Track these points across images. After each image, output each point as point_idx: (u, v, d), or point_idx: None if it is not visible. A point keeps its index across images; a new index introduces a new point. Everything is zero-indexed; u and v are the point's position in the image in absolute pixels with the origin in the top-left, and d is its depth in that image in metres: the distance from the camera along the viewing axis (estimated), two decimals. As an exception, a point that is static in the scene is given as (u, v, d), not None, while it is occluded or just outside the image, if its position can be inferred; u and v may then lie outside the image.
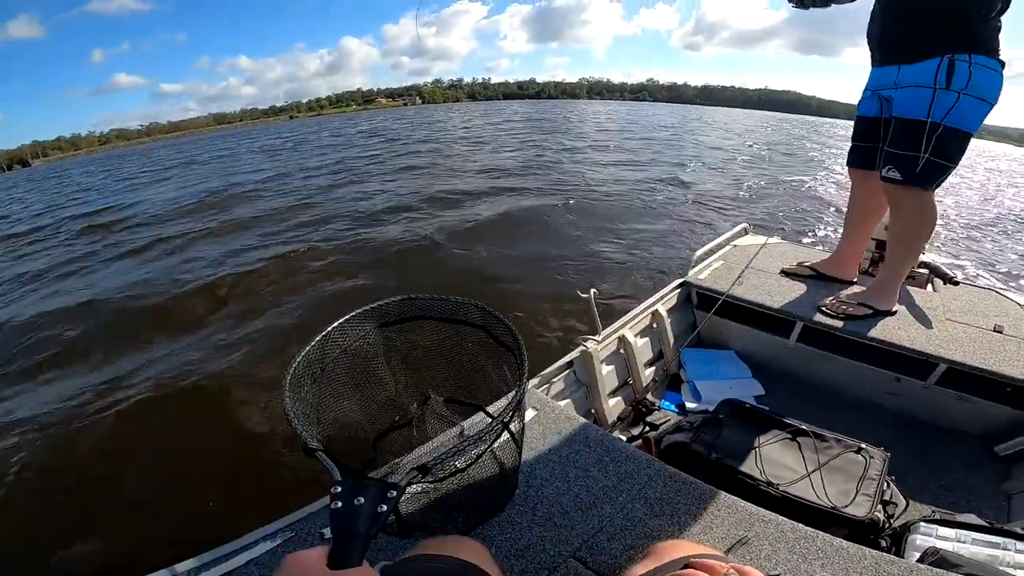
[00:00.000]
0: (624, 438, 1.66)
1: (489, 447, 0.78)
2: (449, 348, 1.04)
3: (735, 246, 2.56)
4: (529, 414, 1.35)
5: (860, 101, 1.88)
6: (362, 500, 0.53)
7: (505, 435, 0.91)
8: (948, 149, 1.57)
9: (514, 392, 0.77)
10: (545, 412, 1.36)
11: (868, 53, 1.80)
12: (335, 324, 0.89)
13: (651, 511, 1.05)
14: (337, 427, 0.90)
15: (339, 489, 0.54)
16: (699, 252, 2.32)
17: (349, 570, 0.48)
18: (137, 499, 2.29)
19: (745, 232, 2.76)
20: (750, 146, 16.95)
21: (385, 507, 0.54)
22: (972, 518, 1.19)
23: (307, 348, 0.82)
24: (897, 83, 1.65)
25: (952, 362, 1.64)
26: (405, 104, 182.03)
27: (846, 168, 2.04)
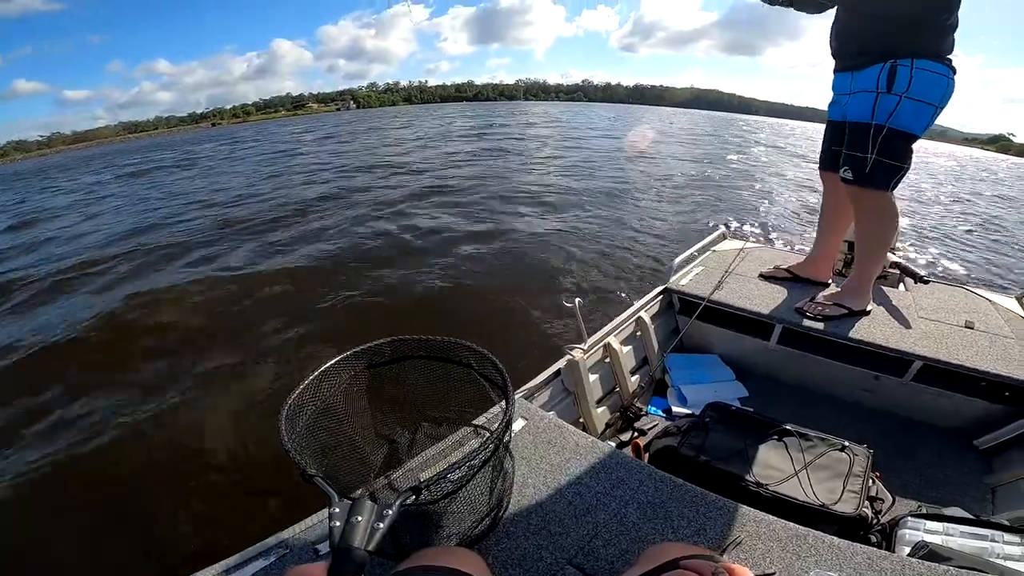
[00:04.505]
0: (613, 444, 1.62)
1: (479, 470, 0.77)
2: (437, 383, 1.06)
3: (714, 251, 2.57)
4: (518, 424, 1.33)
5: (828, 106, 1.91)
6: (359, 518, 0.56)
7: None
8: (894, 150, 1.60)
9: (499, 419, 0.78)
10: (534, 422, 1.33)
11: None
12: (327, 364, 0.91)
13: (644, 515, 1.04)
14: (333, 456, 0.92)
15: (336, 509, 0.58)
16: (679, 259, 2.32)
17: None
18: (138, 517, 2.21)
19: (723, 237, 2.77)
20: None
21: (381, 525, 0.57)
22: (958, 511, 1.18)
23: (302, 386, 0.85)
24: (851, 89, 1.69)
25: (927, 359, 1.65)
26: (338, 109, 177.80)
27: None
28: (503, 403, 0.83)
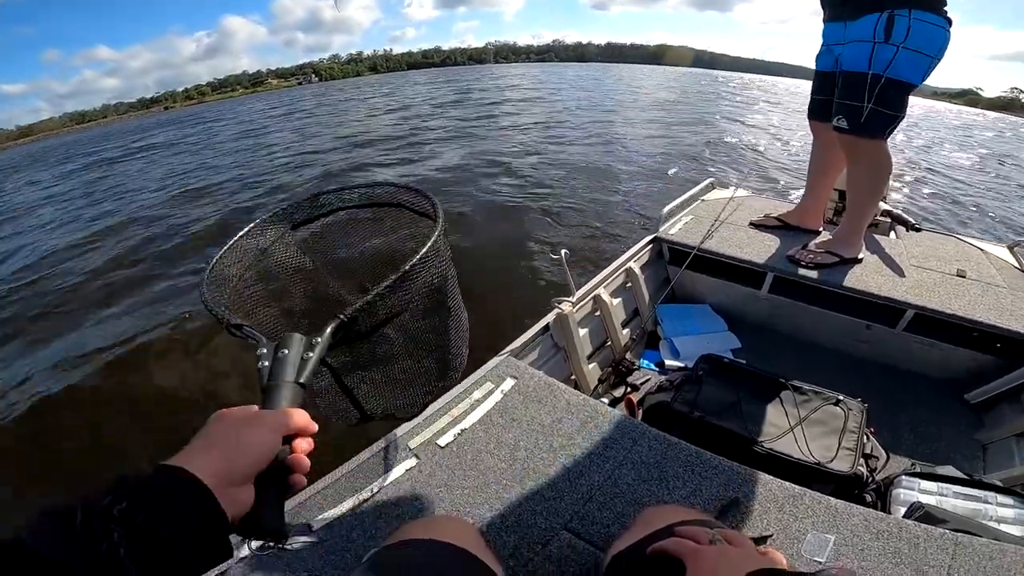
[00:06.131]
0: (606, 401, 1.56)
1: (416, 289, 0.65)
2: (371, 235, 0.93)
3: (703, 201, 2.48)
4: (508, 383, 1.26)
5: (817, 56, 1.85)
6: (287, 351, 0.51)
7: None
8: (890, 100, 1.57)
9: (432, 238, 0.65)
10: (524, 380, 1.26)
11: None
12: (245, 229, 0.79)
13: (639, 476, 1.01)
14: (267, 324, 0.78)
15: (264, 351, 0.52)
16: (668, 208, 2.23)
17: (278, 409, 0.47)
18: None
19: (712, 187, 2.67)
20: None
21: (312, 354, 0.52)
22: (951, 470, 1.15)
23: (221, 251, 0.74)
24: (844, 39, 1.64)
25: (920, 308, 1.61)
26: (299, 83, 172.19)
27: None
28: (437, 221, 0.70)
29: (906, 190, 6.61)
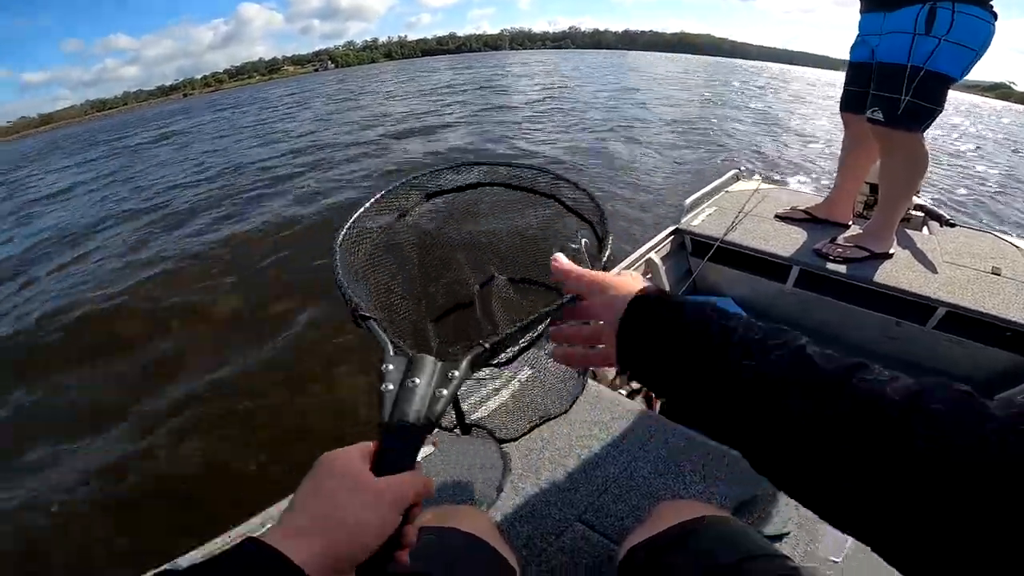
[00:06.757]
0: (624, 393, 1.53)
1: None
2: (512, 221, 0.85)
3: (727, 192, 2.42)
4: (526, 373, 1.22)
5: (852, 47, 1.81)
6: (417, 381, 0.42)
7: None
8: (929, 92, 1.53)
9: (603, 258, 0.59)
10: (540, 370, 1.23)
11: None
12: (379, 194, 0.72)
13: (655, 470, 1.00)
14: (388, 306, 0.73)
15: (390, 367, 0.43)
16: (691, 199, 2.19)
17: (400, 477, 0.37)
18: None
19: (736, 178, 2.60)
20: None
21: (444, 392, 0.42)
22: None
23: (353, 217, 0.67)
24: (882, 29, 1.60)
25: (952, 306, 1.56)
26: (316, 70, 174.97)
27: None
28: (604, 237, 0.62)
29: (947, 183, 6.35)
